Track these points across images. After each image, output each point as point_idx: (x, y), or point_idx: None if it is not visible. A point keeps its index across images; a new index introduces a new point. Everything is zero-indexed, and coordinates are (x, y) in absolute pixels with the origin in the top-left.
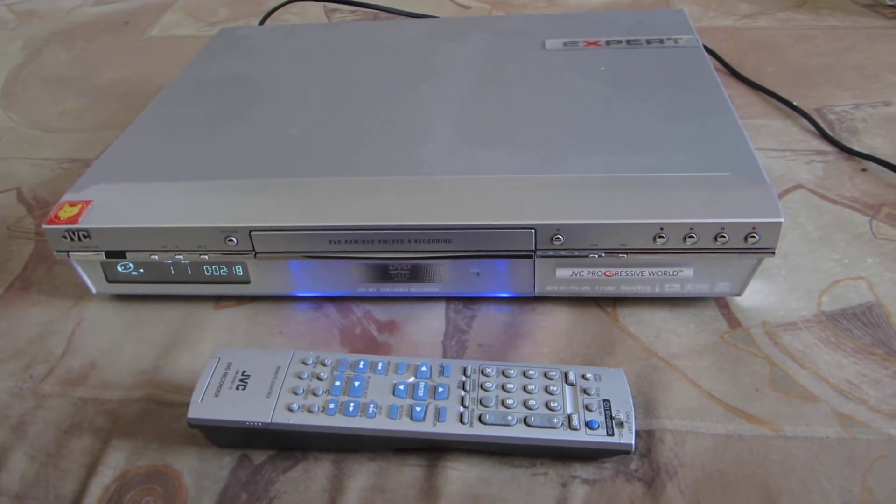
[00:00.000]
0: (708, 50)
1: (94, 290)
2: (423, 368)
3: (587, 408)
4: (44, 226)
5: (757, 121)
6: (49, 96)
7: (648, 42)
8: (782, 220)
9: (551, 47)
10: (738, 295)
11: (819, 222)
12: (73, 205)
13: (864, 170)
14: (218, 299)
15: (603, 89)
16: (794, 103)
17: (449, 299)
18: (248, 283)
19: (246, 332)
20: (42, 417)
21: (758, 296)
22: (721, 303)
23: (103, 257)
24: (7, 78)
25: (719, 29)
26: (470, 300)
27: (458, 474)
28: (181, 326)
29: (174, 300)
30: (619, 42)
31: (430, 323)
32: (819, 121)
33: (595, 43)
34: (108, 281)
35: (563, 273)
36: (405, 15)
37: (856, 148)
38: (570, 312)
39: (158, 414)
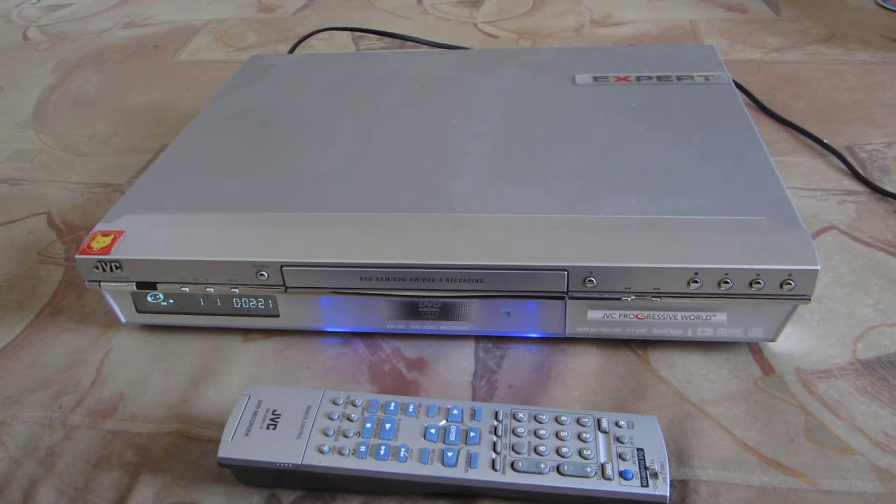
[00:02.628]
0: (737, 85)
1: (123, 320)
2: (455, 412)
3: (621, 457)
4: (76, 256)
5: (787, 158)
6: (79, 119)
7: (679, 78)
8: (819, 267)
9: (581, 82)
10: (773, 341)
11: (853, 265)
12: (105, 235)
13: None
14: (246, 331)
15: (634, 127)
16: (825, 141)
17: (478, 338)
18: (278, 316)
19: (274, 366)
20: (71, 450)
21: (791, 341)
22: (754, 347)
23: (134, 288)
24: (38, 100)
25: (747, 62)
26: (499, 339)
27: None
28: (209, 359)
29: (202, 331)
30: (650, 78)
31: (459, 362)
32: (850, 159)
33: (625, 78)
34: (138, 311)
35: (594, 315)
36: (432, 45)
37: (888, 188)
38: (601, 354)
39: (187, 449)
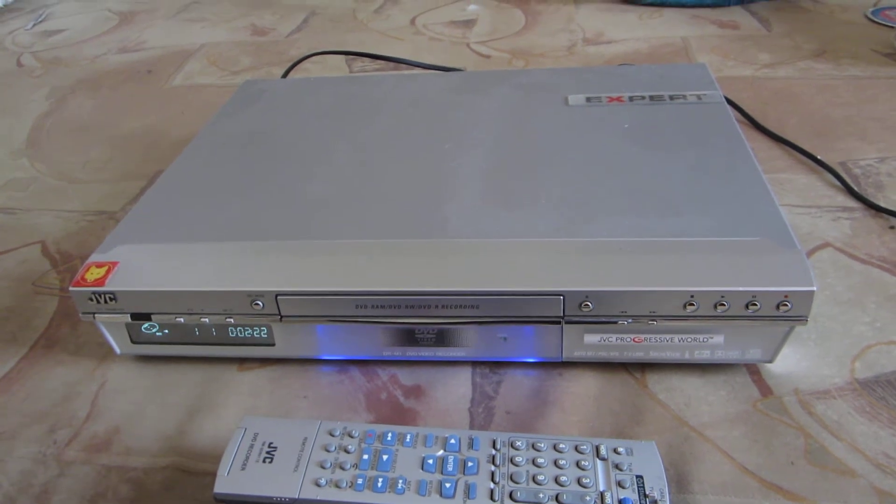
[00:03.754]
0: (730, 101)
1: (118, 351)
2: (452, 441)
3: (620, 484)
4: (70, 288)
5: (781, 175)
6: (74, 145)
7: (671, 98)
8: (815, 288)
9: (574, 103)
10: (770, 362)
11: (848, 283)
12: (99, 266)
13: (892, 227)
14: (242, 361)
15: (628, 147)
16: (819, 157)
17: (475, 364)
18: (273, 345)
19: (270, 396)
20: (66, 486)
21: (789, 361)
22: (752, 368)
23: (128, 319)
24: (33, 126)
25: (739, 79)
26: (496, 364)
27: None
28: (205, 389)
29: (198, 361)
30: (642, 98)
31: (456, 388)
32: (844, 175)
33: (618, 98)
34: (133, 342)
35: (591, 339)
36: (424, 67)
37: (882, 204)
38: (598, 378)
39: (183, 483)
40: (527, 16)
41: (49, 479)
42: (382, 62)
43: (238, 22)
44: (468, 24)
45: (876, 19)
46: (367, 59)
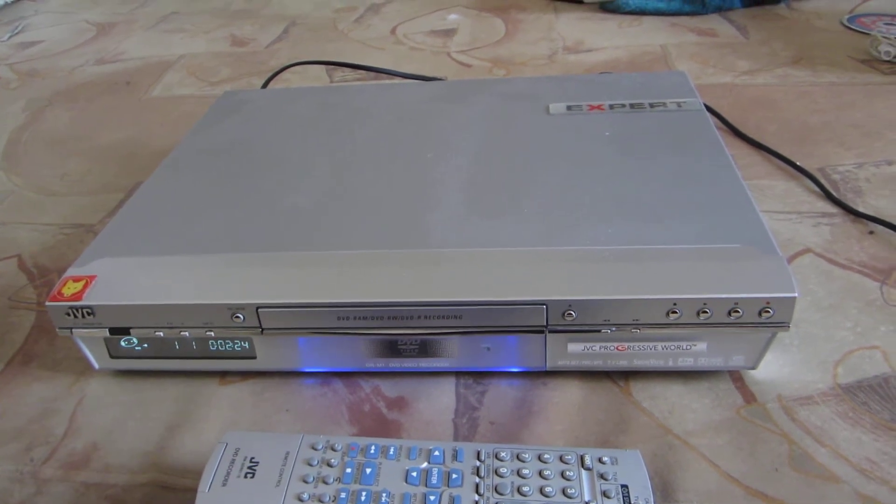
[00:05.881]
0: (709, 109)
1: (96, 366)
2: (436, 453)
3: (605, 494)
4: (47, 303)
5: (761, 181)
6: (51, 158)
7: (651, 105)
8: (797, 294)
9: (555, 112)
10: (753, 368)
11: (829, 288)
12: (76, 280)
13: (871, 232)
14: (223, 374)
15: (609, 155)
16: (798, 163)
17: (459, 374)
18: (254, 358)
19: (252, 410)
20: None
21: (771, 367)
22: (735, 375)
23: (107, 333)
24: (9, 140)
25: (719, 86)
26: (480, 374)
27: None
28: (186, 404)
29: (178, 375)
30: (623, 106)
31: (440, 399)
32: (823, 181)
33: (599, 107)
34: (111, 357)
35: (574, 348)
36: (405, 76)
37: (861, 209)
38: (582, 387)
39: (164, 500)
40: (507, 25)
41: (26, 498)
42: (363, 72)
43: (217, 32)
44: (449, 33)
45: (852, 26)
46: (347, 69)
